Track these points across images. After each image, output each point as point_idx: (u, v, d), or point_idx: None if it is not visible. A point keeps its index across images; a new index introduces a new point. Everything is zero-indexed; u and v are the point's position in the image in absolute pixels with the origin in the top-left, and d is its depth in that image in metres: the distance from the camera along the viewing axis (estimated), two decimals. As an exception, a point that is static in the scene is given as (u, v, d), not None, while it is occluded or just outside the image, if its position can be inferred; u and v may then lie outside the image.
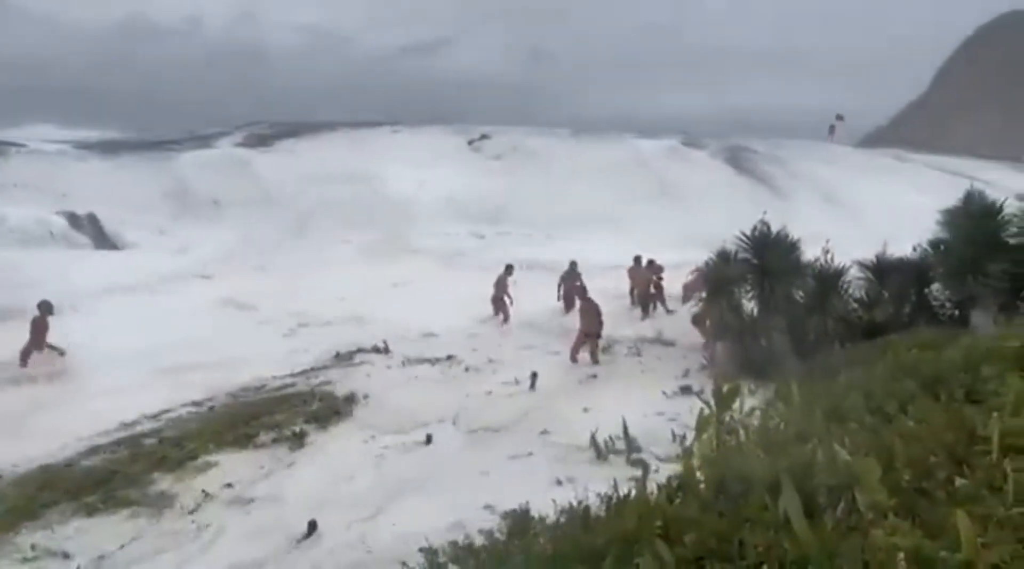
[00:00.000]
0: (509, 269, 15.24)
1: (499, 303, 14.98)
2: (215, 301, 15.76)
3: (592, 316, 11.83)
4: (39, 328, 12.21)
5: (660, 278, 15.70)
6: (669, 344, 12.67)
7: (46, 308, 12.46)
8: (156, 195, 28.19)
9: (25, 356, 12.03)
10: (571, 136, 42.66)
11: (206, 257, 19.77)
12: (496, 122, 47.41)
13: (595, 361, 11.53)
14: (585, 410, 8.80)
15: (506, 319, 14.75)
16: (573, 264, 15.85)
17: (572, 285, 15.40)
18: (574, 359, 11.50)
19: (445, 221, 28.55)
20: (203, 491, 6.20)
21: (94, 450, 7.89)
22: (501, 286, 15.06)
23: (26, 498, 6.29)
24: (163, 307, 14.78)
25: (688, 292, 14.98)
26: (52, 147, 32.48)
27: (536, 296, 15.66)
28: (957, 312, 9.88)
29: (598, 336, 11.77)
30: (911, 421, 3.04)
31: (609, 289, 15.77)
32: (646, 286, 15.67)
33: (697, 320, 12.04)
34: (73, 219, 25.88)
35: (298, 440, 7.35)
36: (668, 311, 15.25)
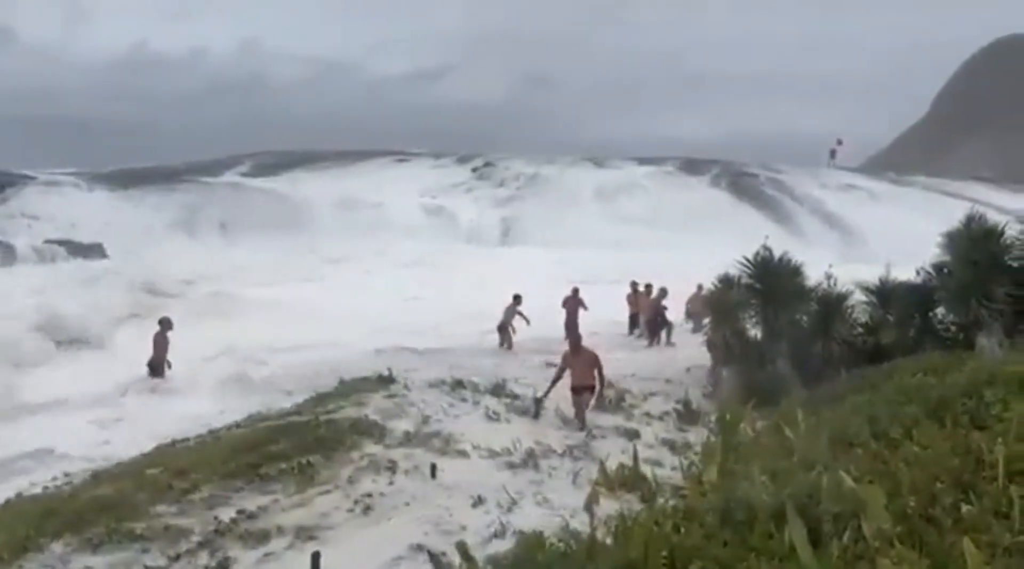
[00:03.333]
0: (517, 299, 15.44)
1: (504, 330, 15.26)
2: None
3: (585, 367, 9.65)
4: (160, 343, 12.60)
5: (665, 307, 15.74)
6: (672, 372, 12.61)
7: (167, 324, 12.76)
8: (161, 225, 28.47)
9: (155, 370, 12.48)
10: (573, 163, 43.08)
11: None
12: (498, 147, 48.18)
13: (580, 420, 9.27)
14: (592, 436, 8.79)
15: (509, 346, 15.05)
16: (575, 290, 16.12)
17: (574, 311, 15.57)
18: (582, 426, 9.21)
19: (448, 244, 28.74)
20: (216, 517, 6.14)
21: (97, 478, 7.87)
22: (508, 314, 15.29)
23: (28, 527, 6.24)
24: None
25: (696, 318, 15.00)
26: (61, 178, 32.92)
27: (541, 321, 15.75)
28: (963, 335, 9.84)
29: (592, 390, 9.63)
30: (916, 447, 3.03)
31: (607, 313, 15.84)
32: (654, 313, 15.68)
33: (711, 344, 11.99)
34: (79, 248, 26.15)
35: (305, 470, 7.30)
36: (670, 343, 15.19)
